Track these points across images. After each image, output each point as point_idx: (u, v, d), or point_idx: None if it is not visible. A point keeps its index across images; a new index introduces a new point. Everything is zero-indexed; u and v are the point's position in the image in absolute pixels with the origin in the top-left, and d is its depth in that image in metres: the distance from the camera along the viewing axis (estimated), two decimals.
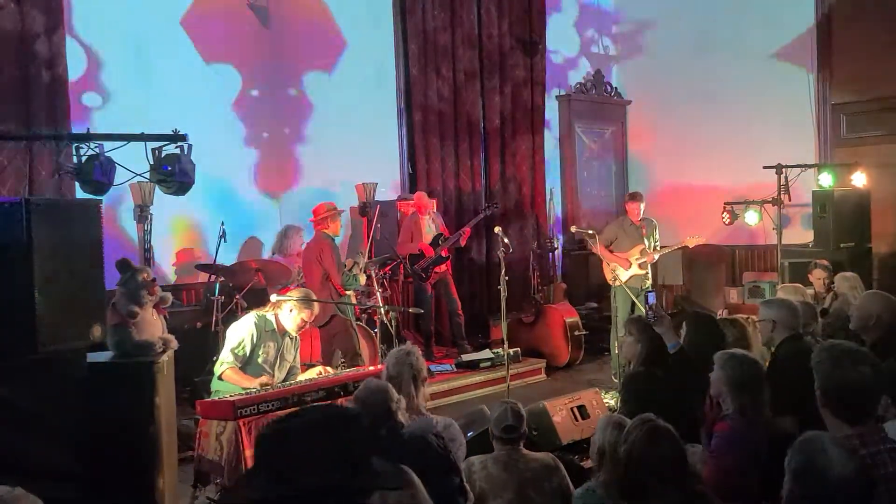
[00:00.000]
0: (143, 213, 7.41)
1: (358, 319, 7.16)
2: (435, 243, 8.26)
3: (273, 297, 5.48)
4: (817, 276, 6.88)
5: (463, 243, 8.52)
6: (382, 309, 7.14)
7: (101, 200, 3.98)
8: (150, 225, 7.40)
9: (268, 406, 4.37)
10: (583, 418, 5.38)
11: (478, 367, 7.95)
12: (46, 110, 6.78)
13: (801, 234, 9.23)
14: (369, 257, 7.81)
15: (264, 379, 4.89)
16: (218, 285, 7.06)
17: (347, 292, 6.86)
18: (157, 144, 4.24)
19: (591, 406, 5.50)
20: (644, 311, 7.42)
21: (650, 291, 7.96)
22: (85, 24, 7.36)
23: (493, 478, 3.60)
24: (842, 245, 7.99)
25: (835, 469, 2.35)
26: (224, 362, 4.93)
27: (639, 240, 8.02)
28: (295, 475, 1.72)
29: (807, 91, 9.82)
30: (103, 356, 4.01)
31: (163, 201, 7.01)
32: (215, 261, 7.08)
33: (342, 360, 6.31)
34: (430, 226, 8.42)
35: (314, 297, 5.23)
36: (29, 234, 3.42)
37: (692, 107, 10.72)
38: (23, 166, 6.66)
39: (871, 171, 8.62)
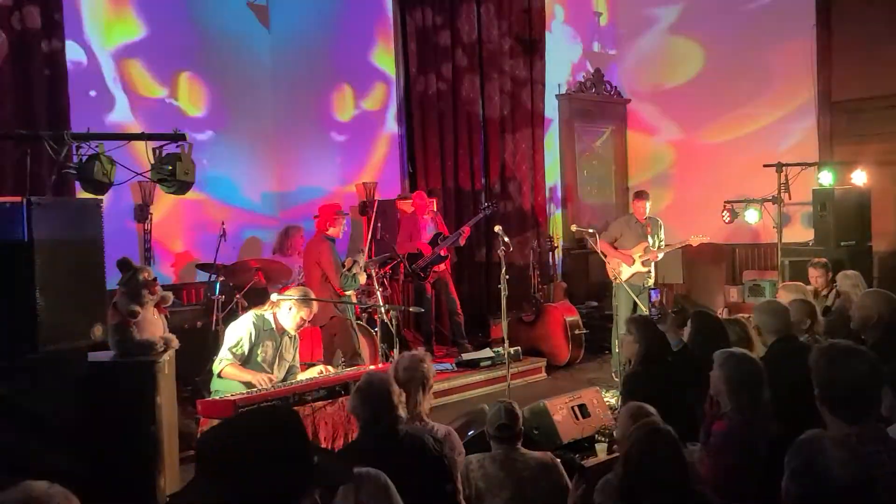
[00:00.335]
0: (143, 213, 7.41)
1: (358, 319, 7.15)
2: (434, 242, 8.25)
3: (273, 297, 5.47)
4: (812, 275, 6.89)
5: (462, 242, 8.48)
6: (383, 308, 7.14)
7: (101, 200, 3.98)
8: (151, 224, 7.40)
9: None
10: (583, 417, 5.39)
11: (478, 367, 7.94)
12: (47, 110, 6.78)
13: (801, 233, 9.22)
14: (369, 256, 7.80)
15: (271, 376, 4.87)
16: (218, 284, 7.06)
17: (347, 293, 6.85)
18: (157, 144, 4.25)
19: (592, 405, 5.50)
20: (646, 309, 7.48)
21: (654, 289, 7.99)
22: (85, 24, 7.36)
23: (491, 477, 3.59)
24: (842, 243, 7.99)
25: (834, 469, 2.35)
26: (223, 360, 4.91)
27: (643, 238, 8.02)
28: (235, 479, 1.75)
29: (807, 89, 9.81)
30: (104, 355, 4.01)
31: (163, 201, 7.03)
32: (215, 260, 7.09)
33: (342, 359, 6.31)
34: (430, 225, 8.42)
35: (313, 296, 5.23)
36: (30, 234, 3.43)
37: (692, 106, 10.71)
38: (23, 166, 6.66)
39: (871, 169, 8.60)
